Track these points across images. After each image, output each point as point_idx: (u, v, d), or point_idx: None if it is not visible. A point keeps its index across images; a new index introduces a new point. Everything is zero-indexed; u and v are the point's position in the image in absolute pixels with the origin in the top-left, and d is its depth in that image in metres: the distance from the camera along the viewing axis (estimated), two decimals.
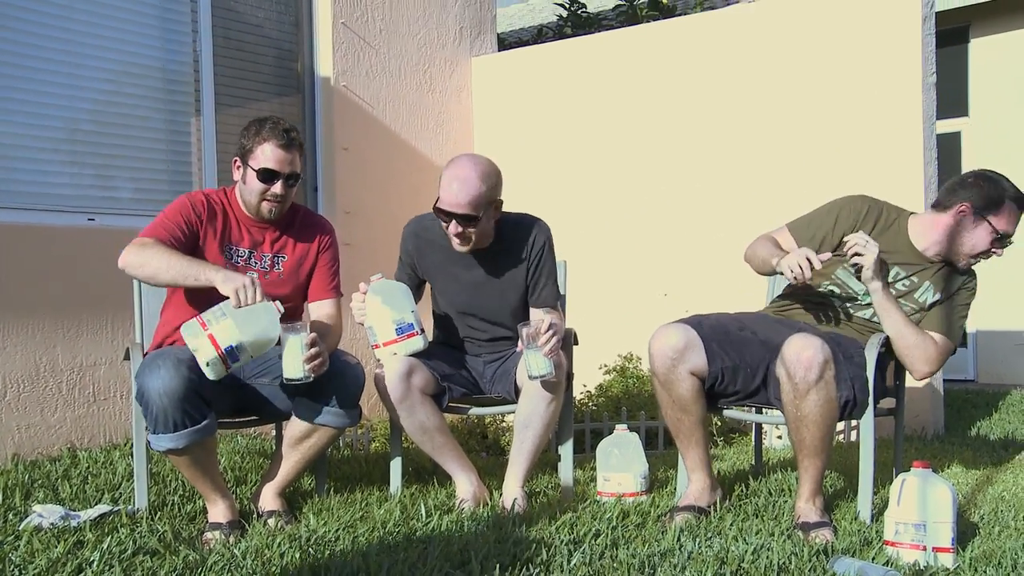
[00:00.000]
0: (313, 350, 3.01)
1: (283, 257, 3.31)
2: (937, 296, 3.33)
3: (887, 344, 3.26)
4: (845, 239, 3.24)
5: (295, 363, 3.00)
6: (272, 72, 5.55)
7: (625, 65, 6.03)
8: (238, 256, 3.24)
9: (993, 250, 3.34)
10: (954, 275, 3.38)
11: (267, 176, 3.17)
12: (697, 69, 5.77)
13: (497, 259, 3.48)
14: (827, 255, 3.26)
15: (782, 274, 3.22)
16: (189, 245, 3.14)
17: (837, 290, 3.39)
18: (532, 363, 3.19)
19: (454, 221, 3.30)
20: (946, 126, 7.25)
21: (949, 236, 3.34)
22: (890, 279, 3.32)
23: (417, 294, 3.57)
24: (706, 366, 3.17)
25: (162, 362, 2.92)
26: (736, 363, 3.21)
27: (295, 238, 3.34)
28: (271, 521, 3.12)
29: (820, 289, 3.40)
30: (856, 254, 3.17)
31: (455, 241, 3.37)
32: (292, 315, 3.30)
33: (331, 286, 3.40)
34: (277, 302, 2.94)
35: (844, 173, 5.29)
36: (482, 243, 3.43)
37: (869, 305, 3.32)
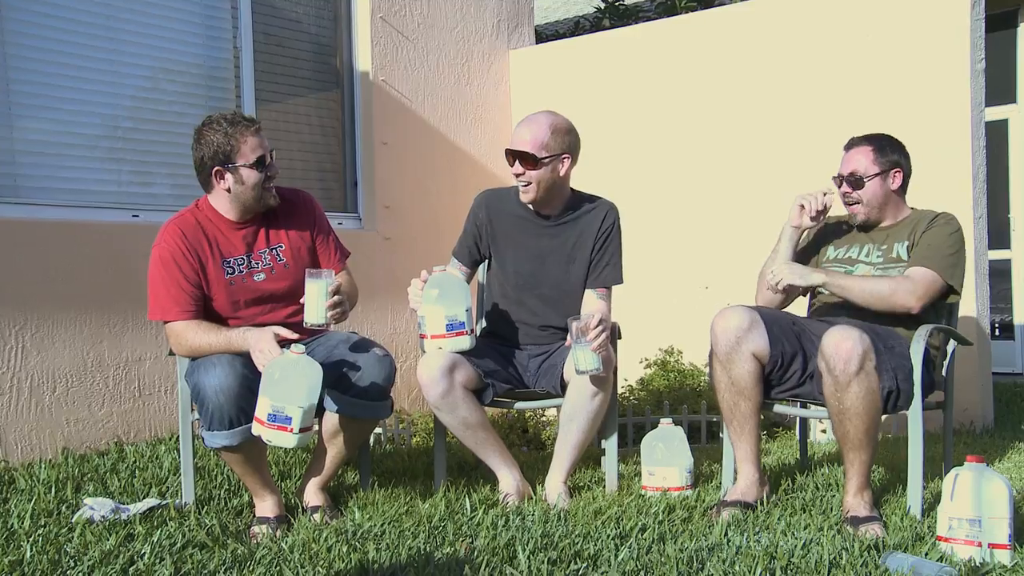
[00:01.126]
0: (336, 297, 3.04)
1: (280, 246, 3.31)
2: (906, 243, 3.40)
3: (936, 336, 3.22)
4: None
5: (318, 308, 3.02)
6: (311, 68, 5.57)
7: (664, 57, 5.99)
8: (238, 267, 3.22)
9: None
10: (914, 225, 3.43)
11: (260, 163, 3.17)
12: (739, 60, 5.71)
13: (566, 232, 3.53)
14: (830, 197, 3.46)
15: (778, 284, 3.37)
16: (202, 291, 3.16)
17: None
18: (580, 358, 3.18)
19: (517, 162, 3.38)
20: (994, 114, 7.11)
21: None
22: (864, 257, 3.46)
23: (470, 276, 3.62)
24: (768, 348, 3.17)
25: (217, 360, 2.96)
26: (795, 350, 3.22)
27: (283, 224, 3.33)
28: (316, 516, 3.14)
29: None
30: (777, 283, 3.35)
31: (520, 186, 3.45)
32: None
33: (336, 258, 3.42)
34: (294, 346, 2.89)
35: None
36: (551, 202, 3.51)
37: (896, 262, 3.40)
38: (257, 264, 3.25)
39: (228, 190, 3.19)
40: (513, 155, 3.42)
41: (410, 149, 5.86)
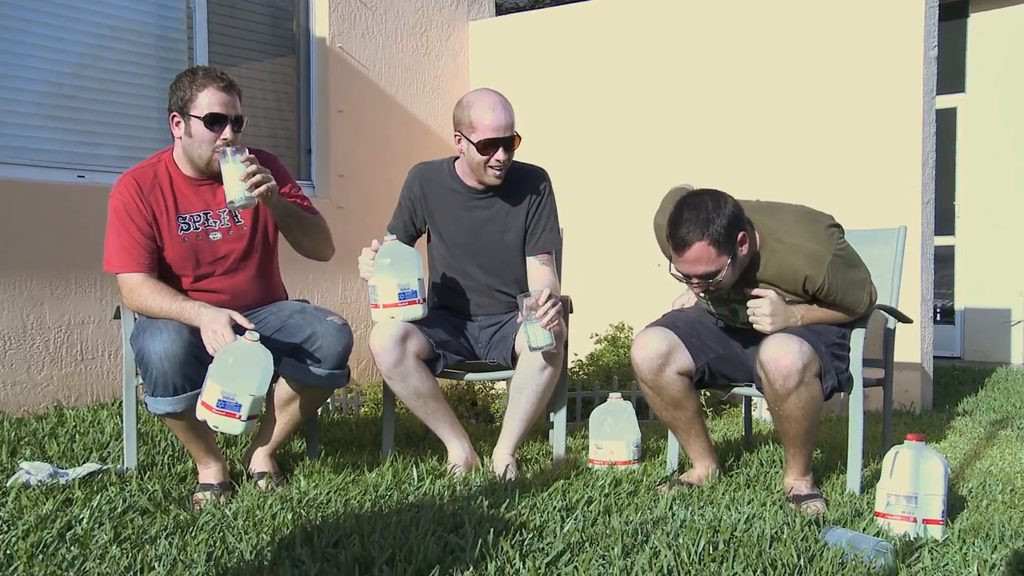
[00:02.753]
0: (253, 167, 2.95)
1: None
2: (787, 297, 3.05)
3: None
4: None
5: (235, 185, 2.94)
6: (267, 32, 5.47)
7: (626, 31, 5.97)
8: (194, 224, 3.13)
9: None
10: (784, 283, 3.03)
11: (214, 121, 3.05)
12: (701, 36, 5.72)
13: (500, 201, 3.50)
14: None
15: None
16: (156, 244, 3.08)
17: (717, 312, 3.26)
18: (532, 335, 3.18)
19: (502, 148, 3.33)
20: (943, 102, 7.21)
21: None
22: (740, 304, 3.11)
23: None
24: (692, 364, 3.15)
25: (164, 325, 2.90)
26: (720, 352, 3.21)
27: None
28: (262, 483, 3.11)
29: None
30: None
31: (493, 174, 3.39)
32: (269, 261, 3.30)
33: (304, 205, 3.30)
34: (248, 333, 2.83)
35: (841, 146, 5.27)
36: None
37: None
38: (215, 223, 3.17)
39: (181, 139, 3.11)
40: (499, 143, 3.33)
41: (366, 118, 5.79)
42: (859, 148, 5.21)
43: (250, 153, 2.99)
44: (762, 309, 2.99)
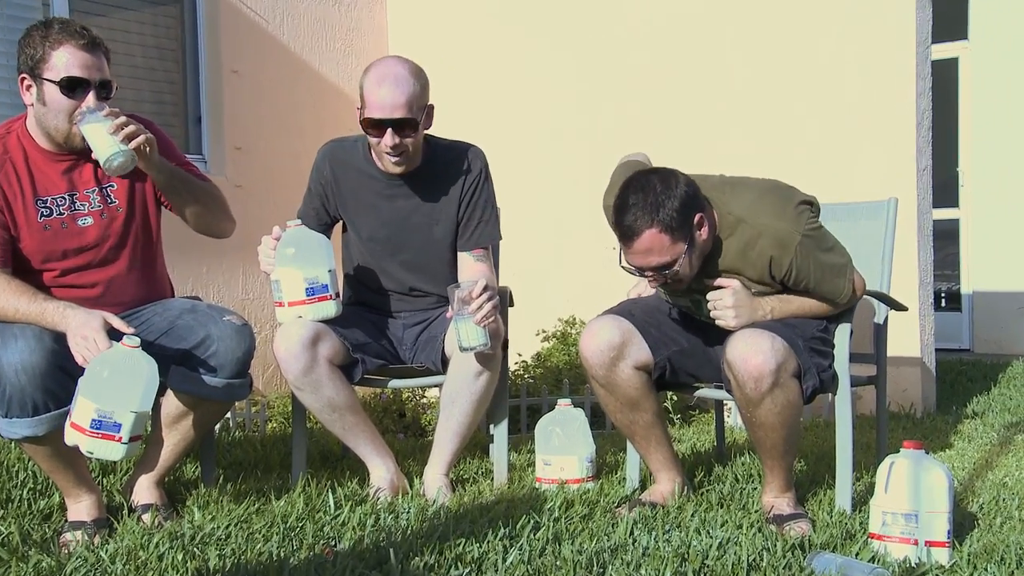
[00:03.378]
0: (121, 119, 2.90)
1: (112, 185, 3.15)
2: (753, 287, 3.09)
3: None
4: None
5: (105, 141, 2.89)
6: None
7: None
8: (57, 209, 3.07)
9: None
10: (750, 268, 3.06)
11: (73, 86, 2.97)
12: None
13: (425, 188, 3.46)
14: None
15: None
16: (10, 234, 3.00)
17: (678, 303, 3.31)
18: (464, 333, 3.17)
19: (389, 131, 3.28)
20: (941, 51, 7.30)
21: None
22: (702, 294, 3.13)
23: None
24: (651, 357, 3.16)
25: (20, 331, 2.82)
26: (684, 345, 3.23)
27: None
28: (146, 517, 3.07)
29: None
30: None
31: (390, 160, 3.35)
32: (151, 250, 3.26)
33: (194, 172, 3.27)
34: (126, 338, 2.77)
35: (820, 105, 5.32)
36: (413, 163, 3.42)
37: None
38: (83, 206, 3.10)
39: (33, 106, 3.03)
40: (385, 125, 3.28)
41: (267, 79, 5.74)
42: (841, 107, 5.27)
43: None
44: (724, 301, 3.01)
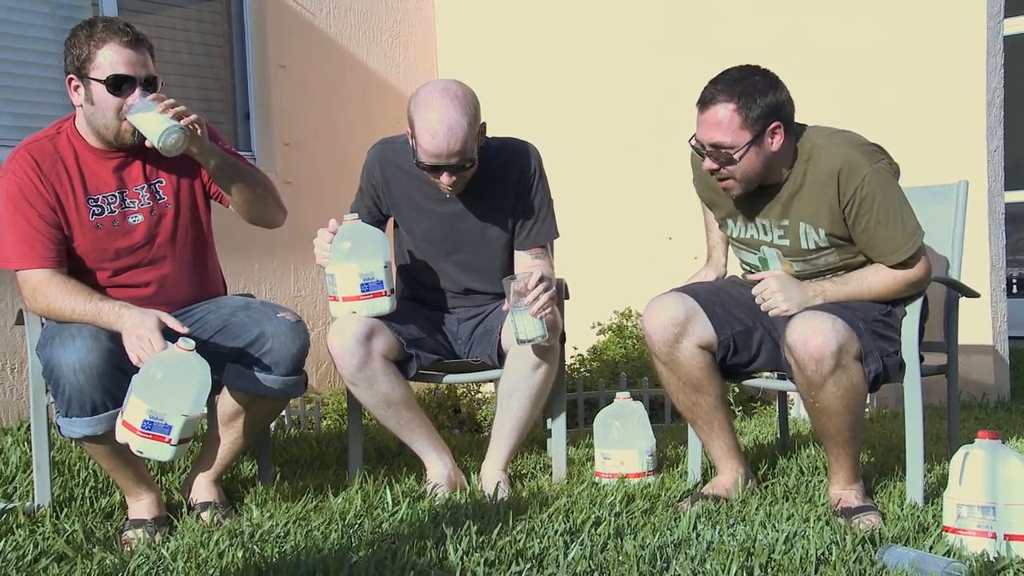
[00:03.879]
0: (169, 100, 2.95)
1: (160, 181, 3.19)
2: (823, 230, 3.10)
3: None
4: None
5: (157, 121, 2.93)
6: None
7: None
8: (108, 207, 3.11)
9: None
10: (818, 189, 3.08)
11: (119, 84, 3.01)
12: None
13: (479, 189, 3.45)
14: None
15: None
16: (63, 233, 3.05)
17: (746, 260, 3.38)
18: (521, 325, 3.17)
19: (446, 173, 3.27)
20: (1014, 26, 7.13)
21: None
22: (765, 236, 3.20)
23: None
24: (714, 336, 3.16)
25: (77, 331, 2.87)
26: (749, 325, 3.22)
27: None
28: (206, 515, 3.10)
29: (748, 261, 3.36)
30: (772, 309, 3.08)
31: (446, 190, 3.35)
32: (203, 246, 3.29)
33: (243, 162, 3.30)
34: (181, 340, 2.80)
35: (883, 84, 5.24)
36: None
37: (820, 250, 3.15)
38: (133, 203, 3.14)
39: (82, 106, 3.08)
40: (441, 169, 3.27)
41: (314, 74, 5.77)
42: (908, 85, 5.19)
43: None
44: (770, 288, 3.05)
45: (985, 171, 5.06)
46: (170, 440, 2.76)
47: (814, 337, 2.88)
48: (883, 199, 3.01)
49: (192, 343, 2.81)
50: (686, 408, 3.26)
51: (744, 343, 3.22)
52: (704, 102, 3.03)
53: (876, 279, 3.09)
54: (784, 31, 5.50)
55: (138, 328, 2.85)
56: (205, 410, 2.91)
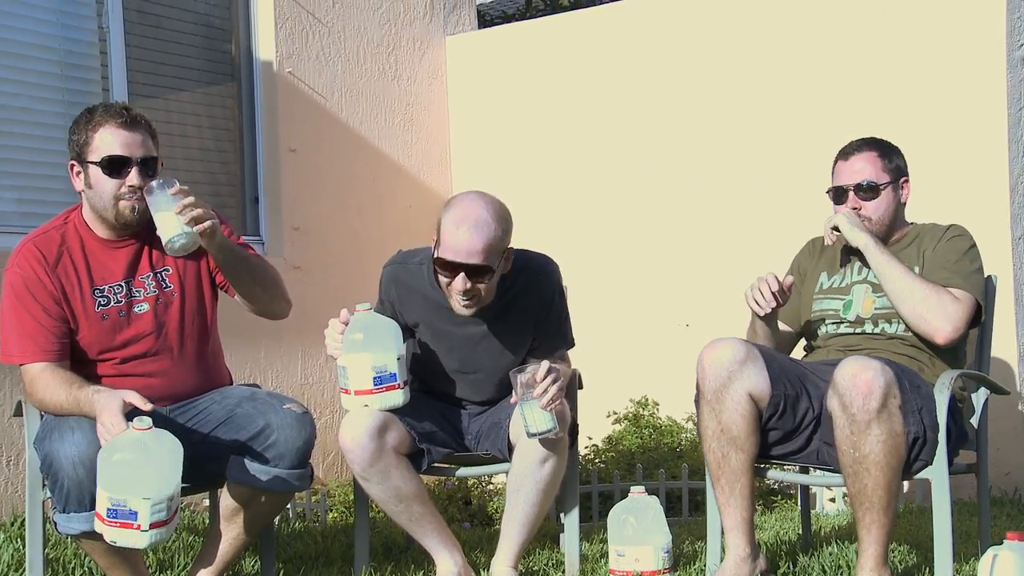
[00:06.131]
0: (189, 199, 2.95)
1: (167, 270, 3.21)
2: (915, 267, 3.43)
3: (960, 381, 3.26)
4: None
5: (171, 221, 2.95)
6: (200, 54, 5.53)
7: (634, 43, 6.02)
8: (114, 297, 3.13)
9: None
10: (917, 239, 3.54)
11: (114, 165, 3.04)
12: (726, 46, 5.75)
13: (499, 312, 3.44)
14: (790, 278, 3.45)
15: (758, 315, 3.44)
16: (68, 326, 3.06)
17: (825, 313, 3.56)
18: (530, 418, 3.15)
19: (462, 275, 3.22)
20: None
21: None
22: (857, 276, 3.53)
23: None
24: (768, 388, 3.16)
25: (76, 424, 2.87)
26: (797, 392, 3.22)
27: None
28: None
29: (812, 318, 3.59)
30: (834, 228, 3.48)
31: (459, 302, 3.29)
32: (208, 336, 3.30)
33: (250, 251, 3.32)
34: (136, 420, 2.74)
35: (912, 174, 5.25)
36: (484, 303, 3.37)
37: (876, 325, 3.45)
38: (139, 292, 3.16)
39: (84, 192, 3.12)
40: (459, 268, 3.22)
41: (324, 157, 5.82)
42: (928, 174, 5.18)
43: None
44: (834, 216, 3.47)
45: (1011, 260, 5.04)
46: (139, 526, 2.70)
47: (864, 372, 2.95)
48: (950, 244, 3.44)
49: (148, 420, 2.75)
50: (714, 461, 3.22)
51: (791, 408, 3.21)
52: (847, 152, 3.56)
53: (917, 278, 3.34)
54: (816, 101, 5.54)
55: (103, 412, 2.84)
56: (179, 487, 2.82)
